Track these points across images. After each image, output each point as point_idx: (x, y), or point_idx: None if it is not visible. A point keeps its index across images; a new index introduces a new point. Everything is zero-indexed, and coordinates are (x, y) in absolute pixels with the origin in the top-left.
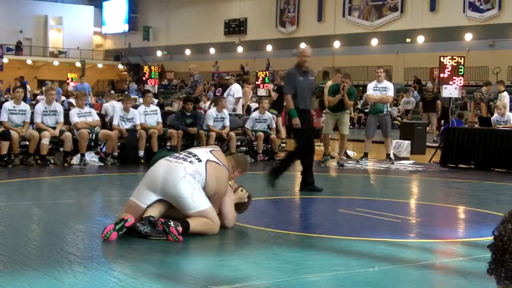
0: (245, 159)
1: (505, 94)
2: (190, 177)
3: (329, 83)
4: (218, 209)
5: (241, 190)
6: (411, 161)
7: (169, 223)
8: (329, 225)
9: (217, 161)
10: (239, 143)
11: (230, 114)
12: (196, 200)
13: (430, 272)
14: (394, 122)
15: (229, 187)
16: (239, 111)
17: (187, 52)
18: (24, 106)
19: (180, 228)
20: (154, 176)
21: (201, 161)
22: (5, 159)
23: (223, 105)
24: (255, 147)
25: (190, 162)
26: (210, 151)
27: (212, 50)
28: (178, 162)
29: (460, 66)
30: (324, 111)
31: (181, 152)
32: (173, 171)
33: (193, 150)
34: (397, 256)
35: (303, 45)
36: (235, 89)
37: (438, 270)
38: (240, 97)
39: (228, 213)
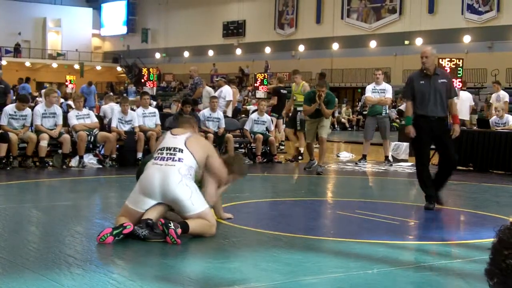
0: (192, 118)
1: (462, 93)
2: (186, 179)
3: (294, 86)
4: (223, 173)
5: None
6: (409, 163)
7: (169, 225)
8: (328, 227)
9: (186, 134)
10: (237, 145)
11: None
12: (194, 203)
13: (428, 274)
14: (393, 124)
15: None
16: (230, 114)
17: (186, 54)
18: (26, 111)
19: (179, 230)
20: (150, 183)
21: (182, 150)
22: (4, 161)
23: (214, 106)
24: (253, 149)
25: (179, 160)
26: (172, 134)
27: (210, 52)
28: (169, 165)
29: (458, 68)
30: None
31: (162, 151)
32: (168, 177)
33: (167, 144)
34: (396, 258)
35: (301, 47)
36: (226, 91)
37: (436, 272)
38: (230, 100)
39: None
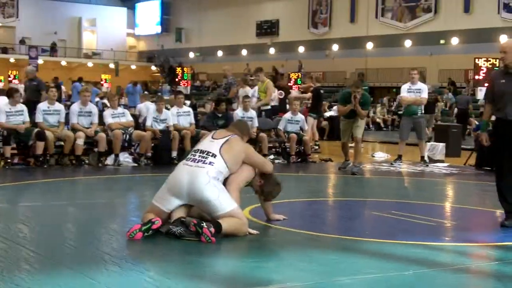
0: (246, 124)
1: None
2: (214, 181)
3: (259, 84)
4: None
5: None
6: (446, 164)
7: (202, 224)
8: (364, 228)
9: (224, 139)
10: (271, 145)
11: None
12: (223, 202)
13: (465, 276)
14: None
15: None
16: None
17: (219, 53)
18: (58, 106)
19: (212, 229)
20: (178, 183)
21: (215, 155)
22: (41, 159)
23: (246, 106)
24: (287, 149)
25: (210, 163)
26: (212, 137)
27: (244, 52)
28: (199, 166)
29: (495, 68)
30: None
31: (195, 153)
32: (197, 178)
33: (202, 147)
34: (432, 259)
35: (335, 47)
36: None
37: (473, 274)
38: None
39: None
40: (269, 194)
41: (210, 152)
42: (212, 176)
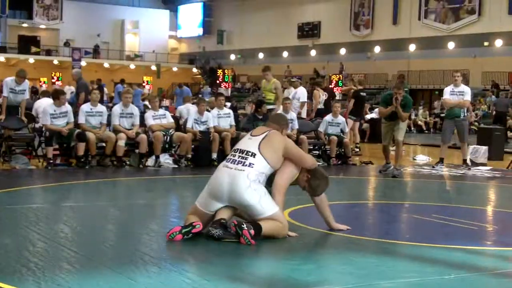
0: (283, 116)
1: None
2: (254, 184)
3: (264, 82)
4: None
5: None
6: (488, 167)
7: (242, 226)
8: (403, 231)
9: (263, 135)
10: (311, 147)
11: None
12: (264, 206)
13: (508, 280)
14: (471, 127)
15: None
16: (304, 115)
17: (260, 55)
18: (101, 108)
19: (252, 231)
20: (218, 186)
21: (255, 154)
22: (82, 160)
23: (287, 107)
24: (328, 151)
25: (250, 165)
26: (251, 135)
27: (285, 54)
28: (239, 169)
29: None
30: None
31: (234, 153)
32: (237, 182)
33: (242, 146)
34: (473, 263)
35: (377, 49)
36: (301, 92)
37: None
38: (305, 101)
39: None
40: (317, 187)
41: (250, 152)
42: (252, 179)
